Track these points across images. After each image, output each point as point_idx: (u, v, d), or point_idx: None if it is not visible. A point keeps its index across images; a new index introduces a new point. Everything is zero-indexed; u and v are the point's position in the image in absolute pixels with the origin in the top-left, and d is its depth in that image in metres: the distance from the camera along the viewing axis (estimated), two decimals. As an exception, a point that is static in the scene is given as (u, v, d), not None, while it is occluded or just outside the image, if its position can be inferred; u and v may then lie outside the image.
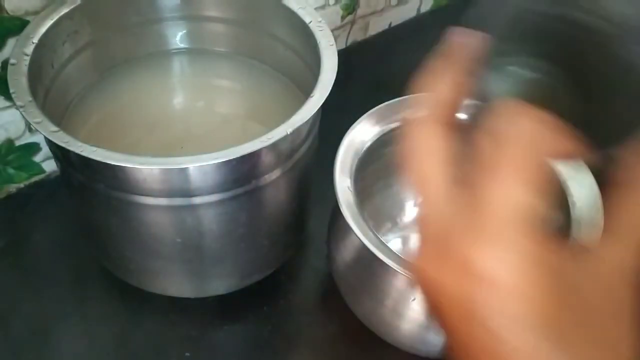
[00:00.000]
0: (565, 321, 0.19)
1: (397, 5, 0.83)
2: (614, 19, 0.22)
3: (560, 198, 0.49)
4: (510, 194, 0.20)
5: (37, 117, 0.40)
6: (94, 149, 0.39)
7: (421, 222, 0.22)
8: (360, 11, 0.78)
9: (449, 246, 0.21)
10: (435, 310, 0.22)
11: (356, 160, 0.48)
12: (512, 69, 0.24)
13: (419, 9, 0.87)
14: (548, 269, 0.20)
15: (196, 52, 0.60)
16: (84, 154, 0.38)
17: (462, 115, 0.23)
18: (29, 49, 0.45)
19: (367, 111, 0.50)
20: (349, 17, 0.78)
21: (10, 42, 0.52)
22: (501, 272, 0.19)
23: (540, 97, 0.22)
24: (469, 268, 0.20)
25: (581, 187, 0.47)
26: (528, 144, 0.20)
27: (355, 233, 0.42)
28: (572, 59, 0.23)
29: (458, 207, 0.21)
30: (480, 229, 0.20)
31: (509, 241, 0.19)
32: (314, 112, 0.42)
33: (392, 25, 0.85)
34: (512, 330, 0.19)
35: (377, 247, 0.42)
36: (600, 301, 0.20)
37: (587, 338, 0.20)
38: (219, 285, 0.53)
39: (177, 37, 0.59)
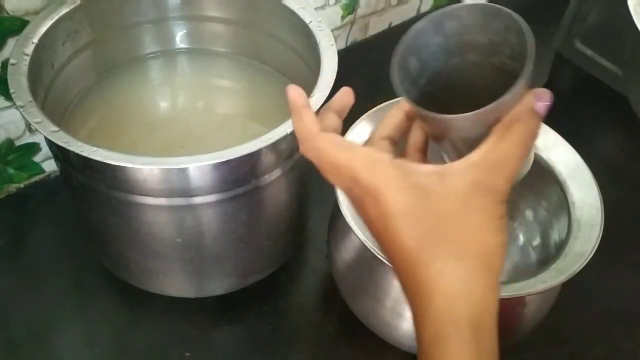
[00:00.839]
0: (428, 215, 0.28)
1: (397, 5, 0.83)
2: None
3: (560, 198, 0.49)
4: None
5: (37, 117, 0.41)
6: (94, 149, 0.39)
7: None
8: (360, 11, 0.78)
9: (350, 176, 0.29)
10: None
11: (356, 160, 0.48)
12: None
13: (419, 9, 0.87)
14: (414, 182, 0.28)
15: (196, 52, 0.60)
16: (84, 154, 0.38)
17: None
18: (29, 49, 0.45)
19: (367, 111, 0.50)
20: (349, 17, 0.78)
21: (11, 42, 0.52)
22: (382, 184, 0.28)
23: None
24: (358, 184, 0.29)
25: (580, 186, 0.47)
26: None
27: (355, 233, 0.42)
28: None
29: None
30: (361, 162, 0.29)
31: (383, 166, 0.29)
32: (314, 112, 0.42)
33: (392, 25, 0.85)
34: (395, 219, 0.28)
35: (377, 247, 0.42)
36: (451, 204, 0.28)
37: (440, 226, 0.28)
38: (219, 285, 0.53)
39: (177, 37, 0.59)
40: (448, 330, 0.27)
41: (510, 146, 0.28)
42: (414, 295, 0.29)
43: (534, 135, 0.29)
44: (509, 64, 0.30)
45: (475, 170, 0.28)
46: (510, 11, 0.29)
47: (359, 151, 0.29)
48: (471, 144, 0.29)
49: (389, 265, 0.40)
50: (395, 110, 0.33)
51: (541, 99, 0.28)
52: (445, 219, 0.28)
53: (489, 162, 0.28)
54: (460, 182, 0.28)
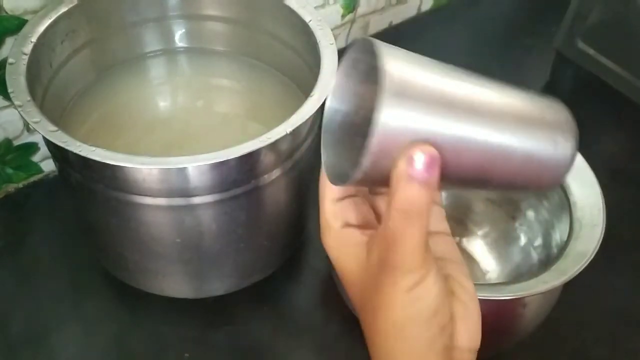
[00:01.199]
0: (364, 292, 0.29)
1: (398, 4, 0.82)
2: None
3: (562, 198, 0.49)
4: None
5: (35, 116, 0.40)
6: (93, 148, 0.38)
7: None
8: (360, 10, 0.78)
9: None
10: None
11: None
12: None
13: (419, 8, 0.87)
14: (349, 254, 0.29)
15: (196, 51, 0.59)
16: (82, 153, 0.38)
17: None
18: (28, 48, 0.45)
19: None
20: (349, 16, 0.77)
21: (9, 41, 0.51)
22: (328, 250, 0.30)
23: None
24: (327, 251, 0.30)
25: (582, 187, 0.47)
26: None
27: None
28: None
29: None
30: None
31: (330, 234, 0.30)
32: (313, 112, 0.42)
33: (393, 24, 0.85)
34: (346, 285, 0.30)
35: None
36: (368, 277, 0.28)
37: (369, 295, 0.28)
38: (218, 285, 0.53)
39: (177, 36, 0.59)
40: None
41: (396, 221, 0.24)
42: None
43: (419, 205, 0.23)
44: None
45: (378, 245, 0.27)
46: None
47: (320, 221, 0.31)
48: None
49: None
50: None
51: (418, 162, 0.22)
52: (365, 289, 0.29)
53: (385, 237, 0.26)
54: (374, 257, 0.27)
